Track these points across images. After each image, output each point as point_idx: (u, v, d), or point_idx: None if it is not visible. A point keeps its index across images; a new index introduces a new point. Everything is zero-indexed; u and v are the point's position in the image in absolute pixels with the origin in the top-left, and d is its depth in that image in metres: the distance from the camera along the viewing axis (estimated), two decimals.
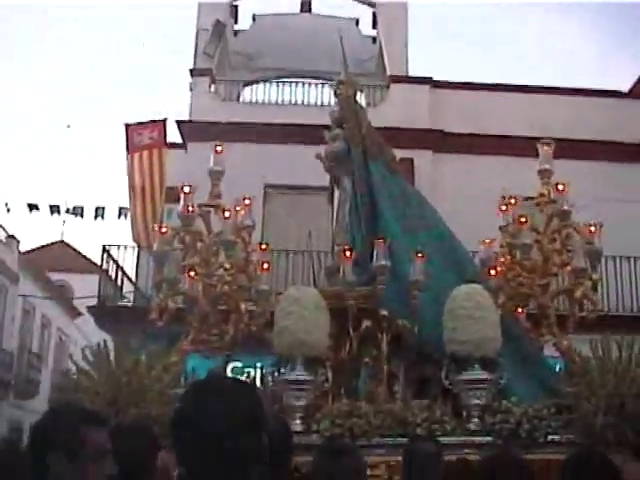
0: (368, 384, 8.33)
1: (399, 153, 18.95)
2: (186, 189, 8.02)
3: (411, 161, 19.35)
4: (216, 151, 8.44)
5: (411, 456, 5.20)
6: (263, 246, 8.56)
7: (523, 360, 7.97)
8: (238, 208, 8.38)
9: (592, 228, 8.07)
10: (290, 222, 18.30)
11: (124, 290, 22.26)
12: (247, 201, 8.37)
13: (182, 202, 8.07)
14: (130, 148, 17.87)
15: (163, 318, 7.87)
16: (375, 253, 7.82)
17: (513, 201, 8.59)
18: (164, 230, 8.08)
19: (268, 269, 8.03)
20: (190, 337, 7.90)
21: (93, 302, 21.85)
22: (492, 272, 8.24)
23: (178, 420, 2.43)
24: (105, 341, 7.51)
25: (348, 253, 7.76)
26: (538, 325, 8.34)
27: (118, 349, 7.40)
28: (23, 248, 32.95)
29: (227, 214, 7.97)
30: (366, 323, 7.82)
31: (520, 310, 8.55)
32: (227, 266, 8.03)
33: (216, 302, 8.07)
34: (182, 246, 8.12)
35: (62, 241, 42.39)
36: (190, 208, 8.01)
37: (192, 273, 7.95)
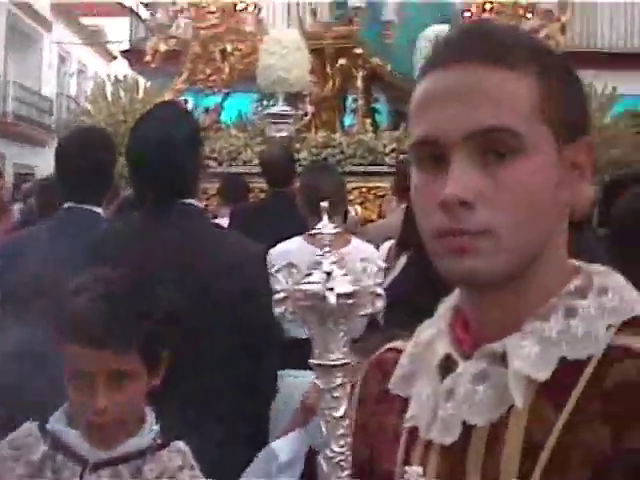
0: (351, 118, 9.07)
1: None
2: None
3: None
4: None
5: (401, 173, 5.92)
6: None
7: None
8: None
9: None
10: None
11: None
12: None
13: None
14: None
15: (156, 60, 8.54)
16: None
17: None
18: None
19: (254, 11, 8.54)
20: (183, 77, 8.57)
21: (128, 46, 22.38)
22: (466, 14, 8.66)
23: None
24: (104, 81, 8.17)
25: None
26: None
27: (117, 88, 8.10)
28: None
29: None
30: (342, 61, 8.39)
31: None
32: (214, 9, 8.53)
33: (206, 44, 8.64)
34: None
35: None
36: None
37: (182, 17, 8.50)
